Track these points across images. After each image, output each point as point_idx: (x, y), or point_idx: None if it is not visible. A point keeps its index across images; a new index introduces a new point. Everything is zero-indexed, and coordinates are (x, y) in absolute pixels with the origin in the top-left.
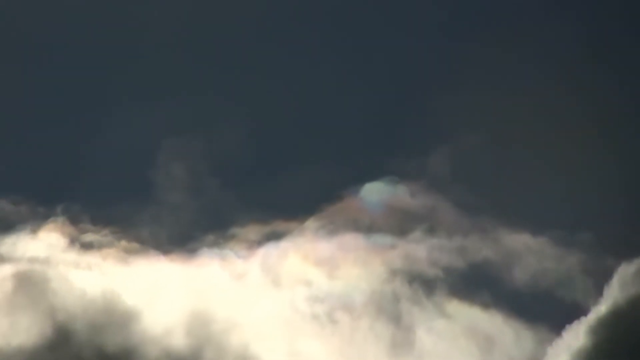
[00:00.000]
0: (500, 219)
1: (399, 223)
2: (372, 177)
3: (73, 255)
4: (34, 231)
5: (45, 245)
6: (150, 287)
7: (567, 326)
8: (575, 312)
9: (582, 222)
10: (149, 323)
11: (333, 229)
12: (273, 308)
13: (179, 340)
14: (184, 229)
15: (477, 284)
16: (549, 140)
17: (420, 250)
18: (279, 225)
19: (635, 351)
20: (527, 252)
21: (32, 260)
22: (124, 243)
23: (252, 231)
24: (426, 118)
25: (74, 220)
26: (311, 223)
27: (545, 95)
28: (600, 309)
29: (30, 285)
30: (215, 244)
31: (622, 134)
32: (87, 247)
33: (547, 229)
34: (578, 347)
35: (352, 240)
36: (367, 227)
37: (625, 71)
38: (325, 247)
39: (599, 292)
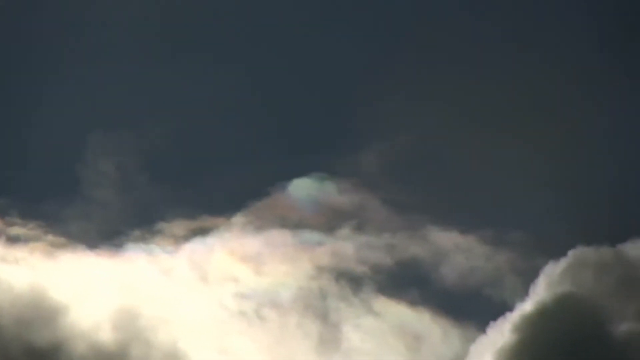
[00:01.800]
0: (429, 217)
1: (327, 220)
2: (301, 173)
3: (0, 249)
4: None
5: None
6: (77, 282)
7: (492, 323)
8: (502, 310)
9: (511, 221)
10: (77, 318)
11: (260, 226)
12: (201, 304)
13: (106, 336)
14: (111, 224)
15: (405, 282)
16: (479, 140)
17: (348, 247)
18: (206, 221)
19: (558, 348)
20: (456, 251)
21: None
22: (51, 237)
23: (179, 227)
24: (356, 116)
25: (1, 214)
26: (238, 219)
27: (476, 96)
28: (526, 306)
29: None
30: (141, 239)
31: (553, 134)
32: (14, 240)
33: (476, 227)
34: (502, 344)
35: (279, 236)
36: (295, 223)
37: (552, 69)
38: (252, 243)
39: (525, 291)
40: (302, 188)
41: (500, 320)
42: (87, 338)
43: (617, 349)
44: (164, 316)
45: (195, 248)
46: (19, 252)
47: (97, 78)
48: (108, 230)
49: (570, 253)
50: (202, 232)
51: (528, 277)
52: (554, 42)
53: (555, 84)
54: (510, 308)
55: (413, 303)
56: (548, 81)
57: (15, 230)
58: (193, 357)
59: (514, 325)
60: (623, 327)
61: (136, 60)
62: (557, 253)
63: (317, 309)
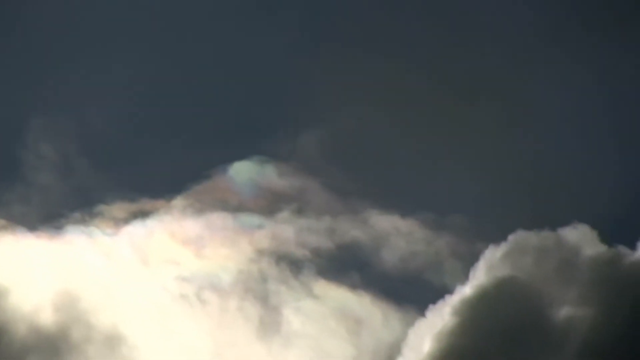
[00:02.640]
0: (369, 200)
1: (268, 203)
2: (241, 156)
3: None
4: None
5: None
6: (18, 264)
7: (432, 307)
8: (442, 294)
9: (452, 205)
10: (17, 301)
11: (201, 209)
12: (141, 287)
13: (47, 318)
14: (52, 207)
15: (345, 266)
16: (420, 123)
17: (288, 231)
18: (146, 204)
19: (497, 332)
20: (396, 234)
21: None
22: None
23: (119, 209)
24: (297, 99)
25: None
26: (179, 202)
27: (418, 79)
28: (465, 290)
29: None
30: (82, 222)
31: (494, 118)
32: None
33: (417, 211)
34: (441, 328)
35: (220, 220)
36: (235, 207)
37: (492, 53)
38: (192, 226)
39: (465, 275)
40: (242, 171)
41: (439, 304)
42: (27, 321)
43: (556, 334)
44: (104, 299)
45: (135, 231)
46: None
47: (37, 63)
48: (48, 213)
49: (511, 237)
50: (143, 214)
51: (468, 261)
52: (482, 26)
53: (495, 66)
54: (450, 292)
55: (353, 287)
56: (487, 64)
57: None
58: (134, 340)
59: (454, 309)
60: (562, 312)
61: (76, 45)
62: (498, 237)
63: (257, 293)
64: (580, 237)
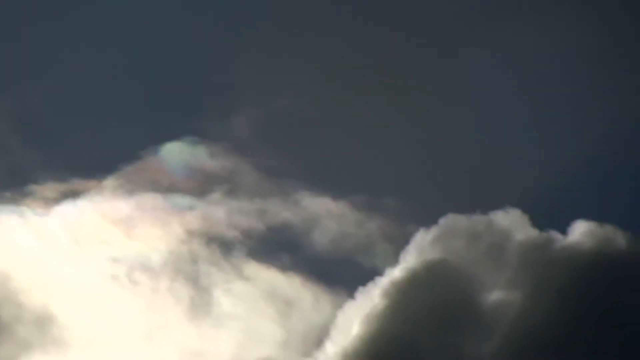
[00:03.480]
0: (301, 182)
1: (199, 184)
2: (173, 137)
3: None
4: None
5: None
6: None
7: (361, 289)
8: (372, 276)
9: (383, 188)
10: None
11: (132, 189)
12: (72, 267)
13: None
14: None
15: (276, 247)
16: (353, 105)
17: (219, 212)
18: (77, 184)
19: (426, 315)
20: (328, 216)
21: None
22: None
23: (50, 189)
24: (229, 79)
25: None
26: (110, 182)
27: (352, 62)
28: (395, 273)
29: None
30: (12, 202)
31: (426, 102)
32: None
33: (349, 193)
34: (370, 309)
35: (151, 200)
36: (166, 187)
37: (429, 38)
38: (123, 207)
39: (396, 258)
40: (174, 152)
41: (369, 286)
42: None
43: (486, 318)
44: (35, 278)
45: (66, 211)
46: None
47: None
48: None
49: (442, 221)
50: (74, 194)
51: (399, 244)
52: (406, 15)
53: (425, 48)
54: (380, 275)
55: (284, 268)
56: (417, 47)
57: None
58: (65, 320)
59: (383, 291)
60: (492, 296)
61: (7, 22)
62: (429, 220)
63: (188, 274)
64: (512, 222)
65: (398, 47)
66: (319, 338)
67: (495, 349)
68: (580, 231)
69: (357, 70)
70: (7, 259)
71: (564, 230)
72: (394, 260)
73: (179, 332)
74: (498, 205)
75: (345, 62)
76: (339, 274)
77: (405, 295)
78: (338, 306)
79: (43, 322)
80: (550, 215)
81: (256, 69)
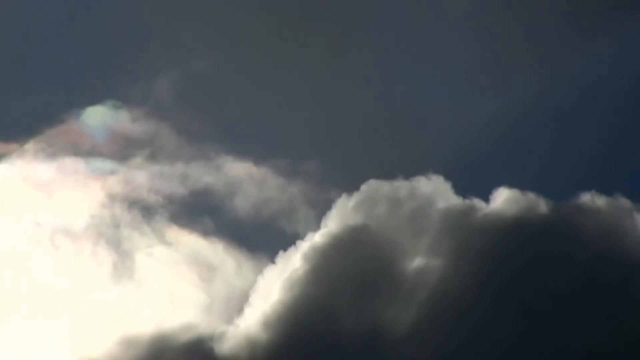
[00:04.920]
0: (223, 146)
1: (120, 148)
2: (94, 101)
3: None
4: None
5: None
6: None
7: (282, 253)
8: (294, 241)
9: (306, 153)
10: None
11: (53, 153)
12: None
13: None
14: None
15: (198, 212)
16: (274, 68)
17: (140, 176)
18: None
19: (347, 280)
20: (250, 181)
21: None
22: None
23: None
24: (151, 41)
25: None
26: (31, 146)
27: (270, 23)
28: (316, 237)
29: None
30: None
31: (350, 64)
32: None
33: (270, 158)
34: (290, 274)
35: (72, 164)
36: (87, 151)
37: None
38: (45, 170)
39: (318, 223)
40: (95, 116)
41: (290, 251)
42: None
43: (406, 284)
44: None
45: None
46: None
47: None
48: None
49: (364, 186)
50: None
51: (321, 210)
52: None
53: (341, 14)
54: (302, 240)
55: (206, 233)
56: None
57: None
58: None
59: (304, 256)
60: (413, 262)
61: None
62: (351, 186)
63: (109, 238)
64: (434, 189)
65: (313, 7)
66: (241, 303)
67: (415, 315)
68: (502, 199)
69: (276, 32)
70: None
71: (486, 198)
72: (315, 226)
73: (101, 296)
74: (421, 171)
75: (263, 23)
76: (261, 239)
77: (326, 260)
78: (260, 271)
79: None
80: (473, 182)
81: (178, 33)
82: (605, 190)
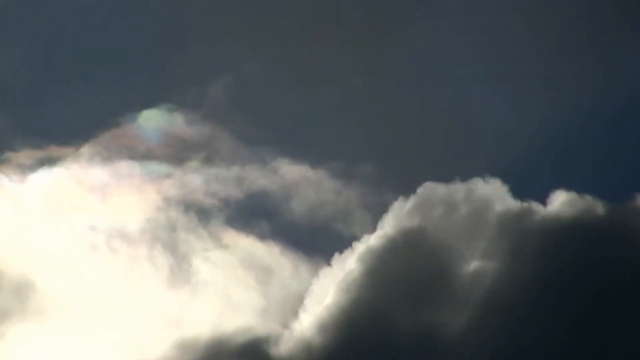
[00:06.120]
0: (279, 150)
1: (175, 152)
2: (149, 104)
3: None
4: None
5: None
6: None
7: (338, 256)
8: (350, 243)
9: (362, 156)
10: None
11: (108, 156)
12: (50, 235)
13: None
14: None
15: (254, 215)
16: (330, 72)
17: (196, 179)
18: (53, 151)
19: (402, 282)
20: (306, 184)
21: None
22: None
23: (26, 156)
24: (206, 45)
25: None
26: (86, 149)
27: (323, 26)
28: (372, 240)
29: None
30: None
31: (405, 71)
32: None
33: (326, 161)
34: (345, 276)
35: (127, 167)
36: (142, 155)
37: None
38: (100, 174)
39: (374, 226)
40: (150, 119)
41: (346, 253)
42: None
43: (462, 287)
44: (12, 247)
45: (43, 178)
46: None
47: None
48: None
49: (420, 189)
50: (50, 161)
51: (377, 212)
52: None
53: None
54: (357, 242)
55: (262, 236)
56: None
57: None
58: (44, 288)
59: (359, 257)
60: (468, 265)
61: None
62: (407, 189)
63: (166, 241)
64: (491, 191)
65: (365, 11)
66: (297, 306)
67: (470, 318)
68: (559, 201)
69: (328, 36)
70: None
71: (543, 201)
72: (371, 229)
73: (157, 299)
74: (477, 174)
75: (316, 27)
76: (317, 241)
77: (382, 263)
78: (315, 274)
79: (22, 291)
80: (530, 185)
81: (229, 36)
82: None
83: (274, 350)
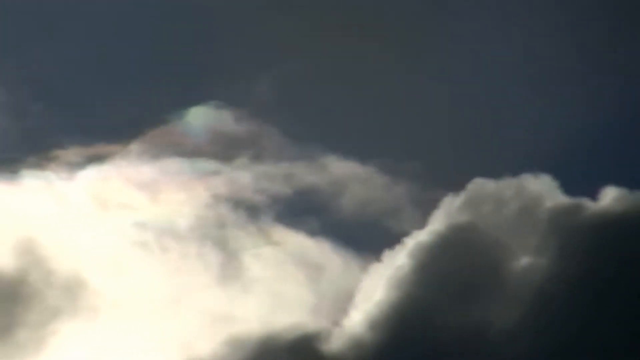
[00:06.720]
0: (327, 146)
1: (224, 149)
2: (197, 101)
3: None
4: None
5: None
6: None
7: (388, 252)
8: (400, 239)
9: (411, 151)
10: None
11: (156, 154)
12: (99, 233)
13: (7, 263)
14: (6, 151)
15: (303, 212)
16: (378, 68)
17: (245, 176)
18: (102, 148)
19: (452, 278)
20: (355, 180)
21: None
22: None
23: (75, 154)
24: (252, 41)
25: None
26: (134, 147)
27: (374, 23)
28: (422, 235)
29: None
30: (37, 166)
31: (452, 63)
32: None
33: (375, 157)
34: (395, 272)
35: (175, 165)
36: (191, 152)
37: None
38: (148, 171)
39: (423, 222)
40: (198, 116)
41: (396, 250)
42: None
43: (512, 283)
44: (62, 245)
45: (91, 176)
46: None
47: None
48: (3, 157)
49: (470, 185)
50: (98, 159)
51: (427, 209)
52: None
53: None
54: (407, 237)
55: (311, 233)
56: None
57: None
58: (94, 285)
59: (409, 253)
60: (519, 262)
61: None
62: (457, 185)
63: (215, 239)
64: (541, 187)
65: (411, 9)
66: (347, 302)
67: (520, 315)
68: (610, 197)
69: (372, 32)
70: (33, 225)
71: (594, 197)
72: (420, 225)
73: (207, 297)
74: (527, 170)
75: (360, 22)
76: (366, 238)
77: (432, 259)
78: (365, 270)
79: (72, 289)
80: (580, 181)
81: (280, 34)
82: None
83: (324, 347)
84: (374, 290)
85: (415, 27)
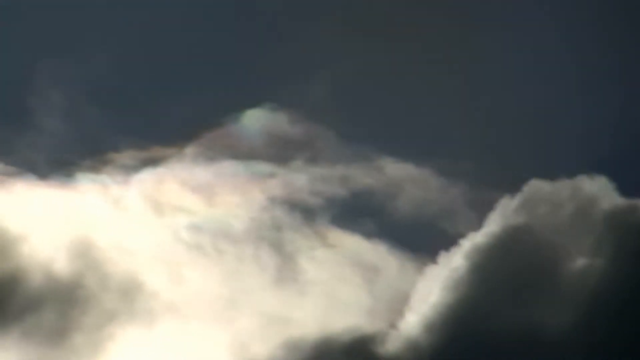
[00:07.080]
0: (383, 147)
1: (279, 151)
2: (252, 104)
3: None
4: None
5: None
6: (29, 212)
7: (444, 254)
8: (456, 241)
9: (466, 153)
10: (32, 249)
11: (212, 156)
12: (154, 236)
13: (62, 267)
14: (61, 154)
15: (359, 214)
16: (432, 69)
17: (300, 178)
18: (157, 151)
19: (508, 280)
20: (410, 182)
21: None
22: (1, 167)
23: (130, 157)
24: (305, 43)
25: None
26: (190, 150)
27: (427, 24)
28: (478, 238)
29: None
30: (92, 170)
31: (506, 64)
32: None
33: (431, 159)
34: (451, 274)
35: (231, 167)
36: (246, 154)
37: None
38: (203, 174)
39: (479, 224)
40: (253, 119)
41: (452, 251)
42: (43, 269)
43: (569, 285)
44: (118, 248)
45: (146, 178)
46: None
47: (45, 8)
48: (58, 160)
49: (526, 186)
50: (153, 162)
51: (482, 211)
52: None
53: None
54: (463, 239)
55: (368, 235)
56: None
57: None
58: (149, 288)
59: (465, 255)
60: (575, 263)
61: None
62: (513, 186)
63: (271, 241)
64: (597, 189)
65: (460, 10)
66: (404, 304)
67: (576, 317)
68: None
69: (419, 35)
70: (88, 228)
71: None
72: (476, 226)
73: (264, 299)
74: (583, 171)
75: (417, 21)
76: (423, 239)
77: (488, 260)
78: (421, 272)
79: (128, 292)
80: (637, 182)
81: (334, 35)
82: None
83: (380, 349)
84: (429, 292)
85: (472, 27)
